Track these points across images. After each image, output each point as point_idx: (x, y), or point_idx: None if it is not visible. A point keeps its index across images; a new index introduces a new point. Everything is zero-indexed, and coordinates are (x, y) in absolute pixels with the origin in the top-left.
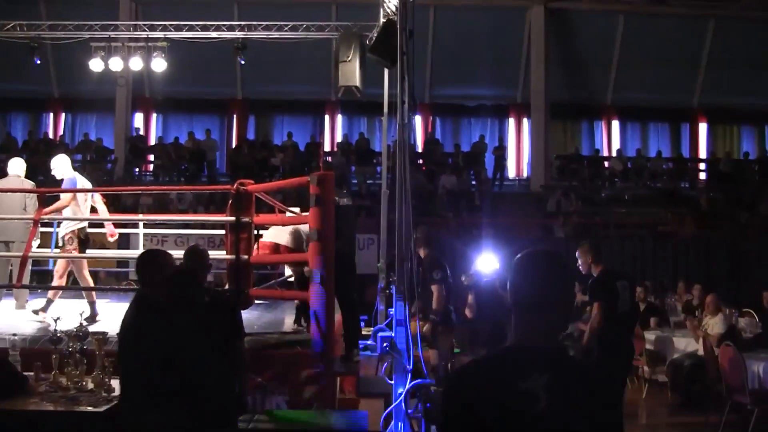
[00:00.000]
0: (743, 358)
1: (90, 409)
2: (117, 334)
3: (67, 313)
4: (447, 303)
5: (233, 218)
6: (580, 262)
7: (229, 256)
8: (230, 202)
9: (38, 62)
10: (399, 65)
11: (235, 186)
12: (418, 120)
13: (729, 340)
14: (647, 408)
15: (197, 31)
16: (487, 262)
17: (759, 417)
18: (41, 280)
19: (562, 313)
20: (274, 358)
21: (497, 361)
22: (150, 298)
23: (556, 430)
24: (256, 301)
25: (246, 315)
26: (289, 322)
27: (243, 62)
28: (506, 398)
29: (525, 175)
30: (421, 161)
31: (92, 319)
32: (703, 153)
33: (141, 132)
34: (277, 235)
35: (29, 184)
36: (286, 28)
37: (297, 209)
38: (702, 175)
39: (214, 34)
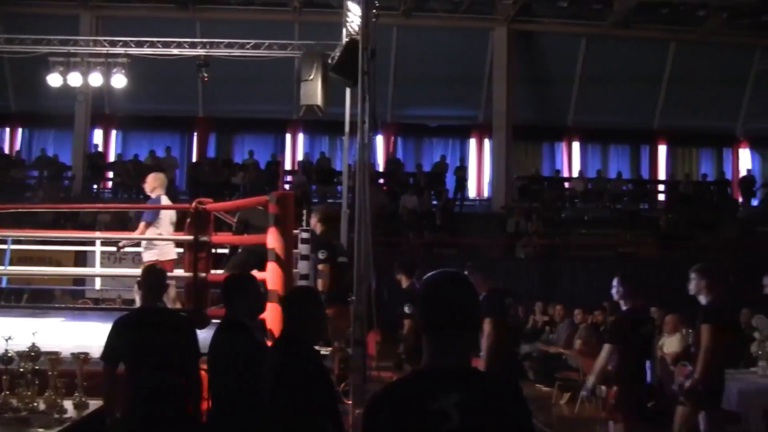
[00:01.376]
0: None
1: (41, 431)
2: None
3: (19, 332)
4: (340, 282)
5: (191, 237)
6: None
7: (187, 275)
8: (188, 220)
9: None
10: (360, 85)
11: (193, 204)
12: (380, 140)
13: (685, 359)
14: (602, 427)
15: (158, 47)
16: None
17: None
18: None
19: (470, 334)
20: None
21: (410, 384)
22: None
23: None
24: (215, 321)
25: (204, 334)
26: None
27: (205, 78)
28: (418, 420)
29: (486, 195)
30: (382, 181)
31: None
32: (662, 175)
33: (100, 148)
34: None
35: None
36: (248, 46)
37: None
38: (661, 197)
39: (175, 51)
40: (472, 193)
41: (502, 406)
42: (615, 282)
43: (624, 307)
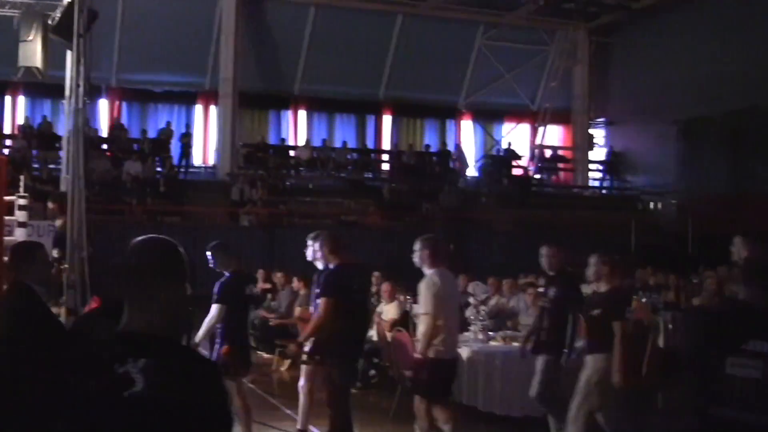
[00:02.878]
0: (414, 343)
1: None
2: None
3: None
4: None
5: None
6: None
7: None
8: None
9: None
10: (75, 47)
11: None
12: (104, 105)
13: (401, 325)
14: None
15: None
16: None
17: None
18: None
19: (166, 301)
20: None
21: (101, 346)
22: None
23: (155, 413)
24: None
25: None
26: None
27: None
28: (104, 382)
29: (212, 162)
30: (106, 147)
31: None
32: (387, 145)
33: None
34: None
35: None
36: None
37: None
38: (386, 167)
39: None
40: (197, 160)
41: (193, 378)
42: (209, 253)
43: (226, 274)
